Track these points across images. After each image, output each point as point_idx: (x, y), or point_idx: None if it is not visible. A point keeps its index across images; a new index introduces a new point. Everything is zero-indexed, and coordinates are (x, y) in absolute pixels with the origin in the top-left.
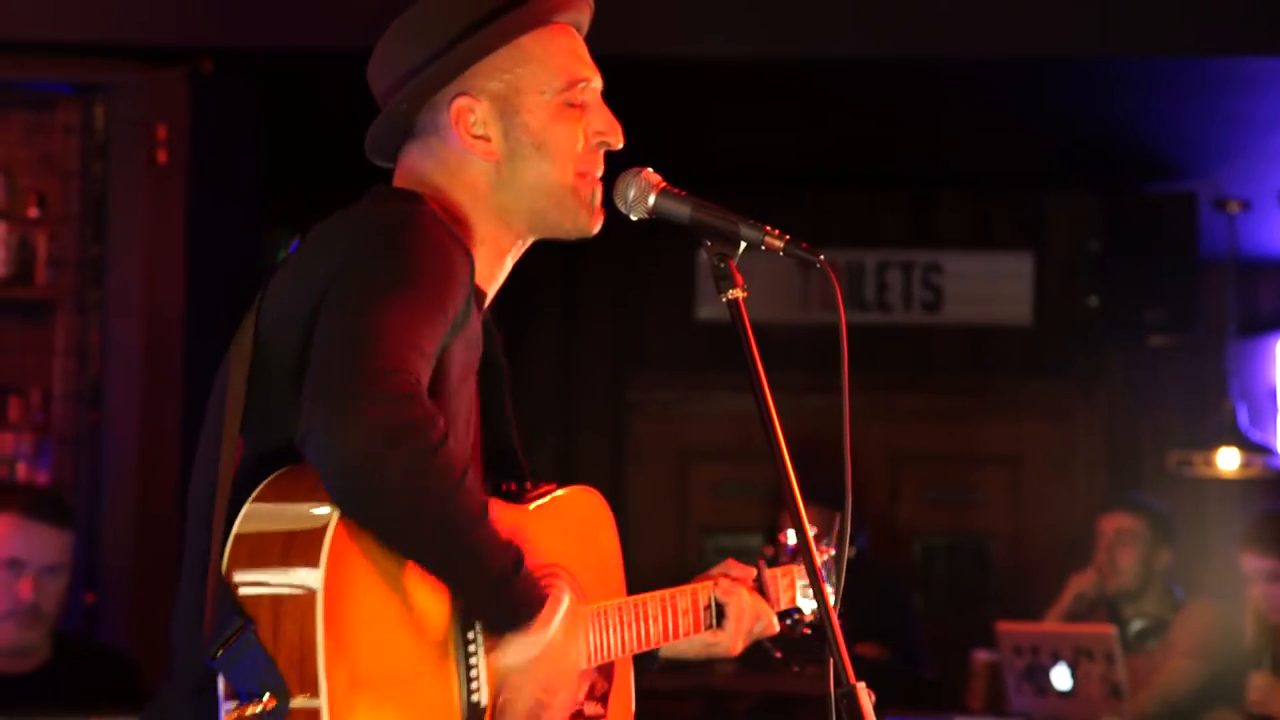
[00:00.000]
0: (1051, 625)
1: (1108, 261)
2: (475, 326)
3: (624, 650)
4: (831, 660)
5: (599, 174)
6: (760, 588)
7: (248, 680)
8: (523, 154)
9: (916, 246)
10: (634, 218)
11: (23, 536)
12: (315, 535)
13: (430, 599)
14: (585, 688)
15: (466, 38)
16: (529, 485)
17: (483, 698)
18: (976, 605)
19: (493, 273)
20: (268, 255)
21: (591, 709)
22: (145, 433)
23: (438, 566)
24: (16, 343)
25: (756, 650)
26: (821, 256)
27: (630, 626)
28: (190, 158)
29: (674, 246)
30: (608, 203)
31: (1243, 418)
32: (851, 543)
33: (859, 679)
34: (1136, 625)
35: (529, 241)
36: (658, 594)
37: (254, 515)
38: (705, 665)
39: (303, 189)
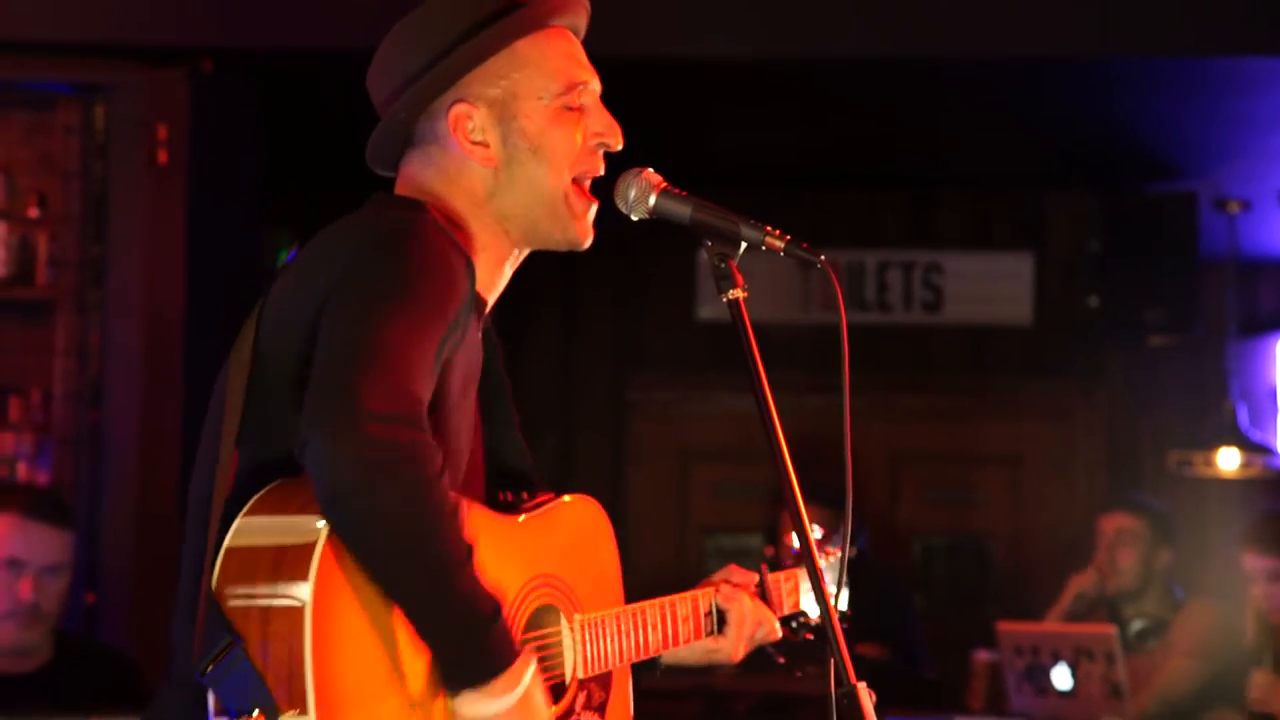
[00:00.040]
0: (1052, 625)
1: (1108, 261)
2: (476, 335)
3: (621, 659)
4: (832, 660)
5: (599, 174)
6: (763, 593)
7: (237, 696)
8: (520, 159)
9: (917, 246)
10: (635, 218)
11: (23, 536)
12: (304, 551)
13: None
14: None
15: (462, 44)
16: (525, 495)
17: None
18: (976, 605)
19: (493, 280)
20: (268, 255)
21: (589, 719)
22: (145, 433)
23: (410, 604)
24: (17, 343)
25: (759, 654)
26: (822, 256)
27: (628, 635)
28: (190, 158)
29: (674, 246)
30: (608, 203)
31: (1243, 418)
32: (852, 543)
33: (859, 679)
34: (1137, 625)
35: (525, 252)
36: (657, 601)
37: (245, 530)
38: (705, 667)
39: (303, 189)
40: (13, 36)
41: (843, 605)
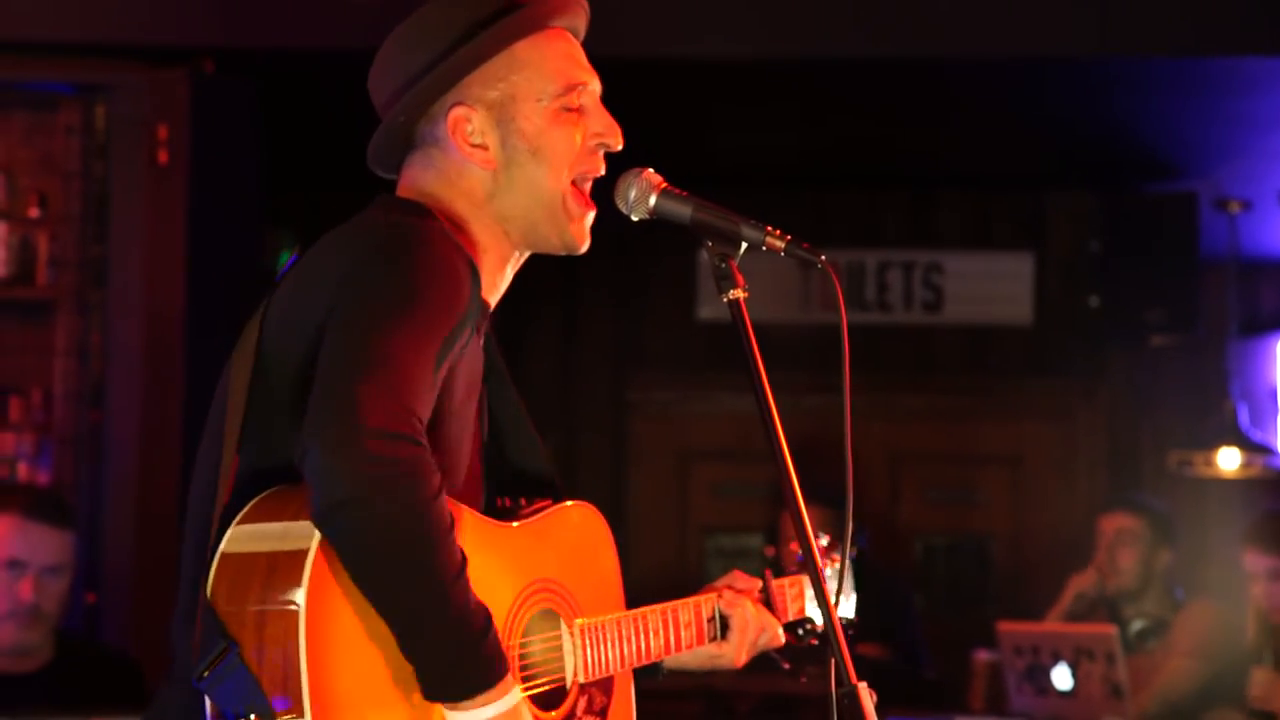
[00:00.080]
0: (1052, 625)
1: (1108, 261)
2: (478, 341)
3: (622, 664)
4: (833, 660)
5: (600, 174)
6: (766, 599)
7: (233, 701)
8: (519, 161)
9: (917, 246)
10: (635, 218)
11: (23, 537)
12: (298, 556)
13: None
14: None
15: (461, 46)
16: (523, 501)
17: None
18: (977, 605)
19: (495, 282)
20: (268, 256)
21: None
22: (146, 433)
23: (399, 619)
24: (17, 343)
25: (763, 658)
26: (823, 257)
27: (630, 640)
28: (191, 158)
29: (674, 246)
30: (608, 203)
31: (1243, 418)
32: (852, 543)
33: (860, 679)
34: (1137, 625)
35: (526, 254)
36: (658, 607)
37: (240, 536)
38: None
39: (303, 190)
40: (13, 37)
41: (849, 613)
